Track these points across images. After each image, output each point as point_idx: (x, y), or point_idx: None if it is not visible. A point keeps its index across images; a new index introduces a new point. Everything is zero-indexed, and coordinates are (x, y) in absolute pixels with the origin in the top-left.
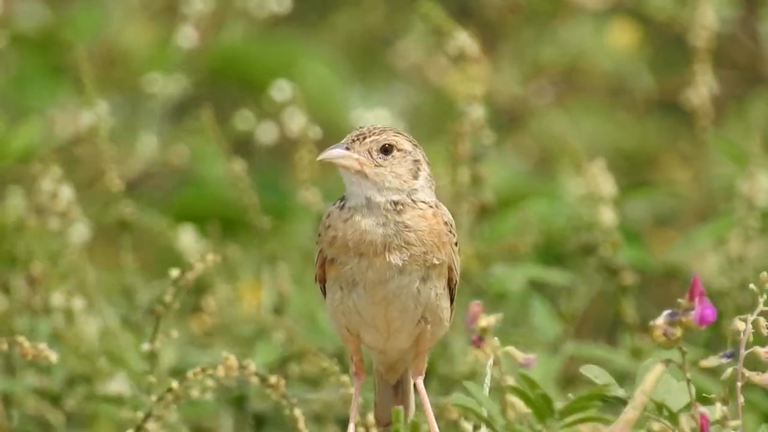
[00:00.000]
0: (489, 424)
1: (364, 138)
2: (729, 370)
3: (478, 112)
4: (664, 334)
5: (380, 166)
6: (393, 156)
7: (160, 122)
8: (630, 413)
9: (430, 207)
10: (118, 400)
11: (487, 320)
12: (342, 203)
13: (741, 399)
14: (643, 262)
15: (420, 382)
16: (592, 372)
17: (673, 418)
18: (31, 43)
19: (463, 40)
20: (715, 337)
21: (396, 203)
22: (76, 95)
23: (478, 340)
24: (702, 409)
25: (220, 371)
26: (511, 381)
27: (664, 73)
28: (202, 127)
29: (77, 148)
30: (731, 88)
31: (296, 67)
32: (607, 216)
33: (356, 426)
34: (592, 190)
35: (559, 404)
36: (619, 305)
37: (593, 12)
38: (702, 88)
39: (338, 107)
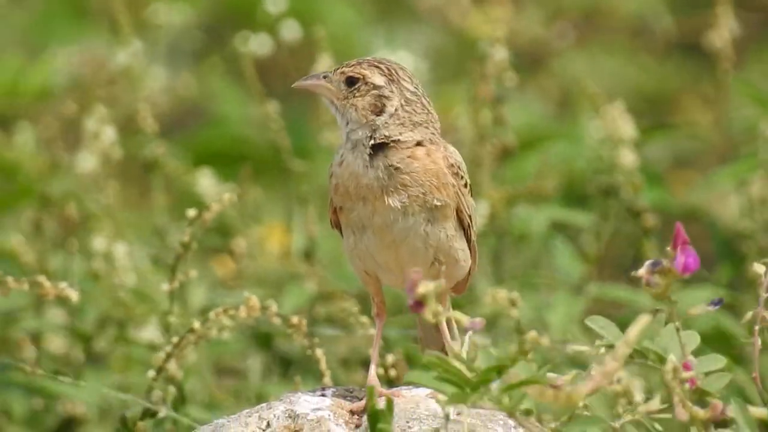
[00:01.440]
0: (451, 379)
1: (339, 69)
2: (749, 313)
3: (501, 54)
4: (647, 284)
5: (345, 98)
6: (357, 88)
7: (170, 57)
8: (611, 363)
9: (419, 145)
10: (149, 345)
11: (426, 287)
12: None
13: (758, 341)
14: (664, 203)
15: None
16: (597, 323)
17: (661, 362)
18: None
19: None
20: (738, 279)
21: (371, 140)
22: (100, 36)
23: (416, 306)
24: (691, 359)
25: (242, 312)
26: (456, 347)
27: (685, 14)
28: (218, 61)
29: (100, 88)
30: (752, 30)
31: (319, 8)
32: (628, 158)
33: (377, 367)
34: (612, 132)
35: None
36: (641, 247)
37: None
38: (724, 29)
39: (361, 48)
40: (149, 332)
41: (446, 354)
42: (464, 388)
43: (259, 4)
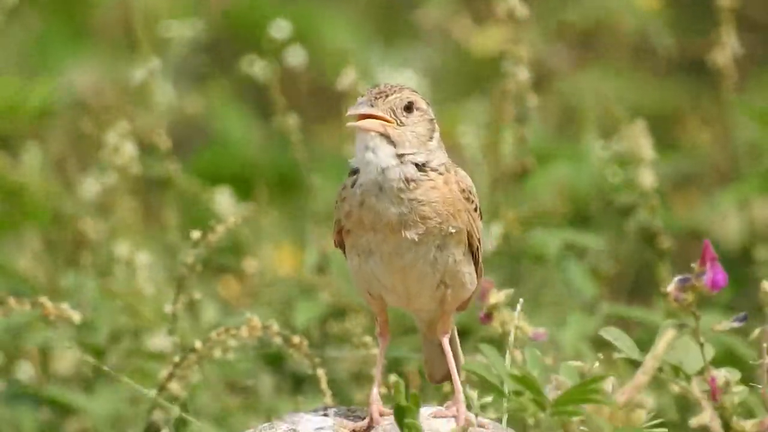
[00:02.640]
0: (495, 387)
1: (387, 96)
2: (756, 331)
3: (524, 74)
4: (676, 300)
5: (403, 125)
6: (413, 115)
7: (177, 76)
8: (640, 377)
9: (440, 174)
10: (159, 357)
11: (497, 297)
12: (353, 179)
13: (766, 360)
14: (666, 223)
15: (445, 341)
16: (611, 334)
17: (689, 380)
18: (53, 3)
19: (513, 1)
20: (740, 300)
21: (407, 179)
22: (101, 53)
23: (486, 317)
24: (714, 372)
25: (244, 332)
26: (519, 357)
27: (687, 33)
28: (222, 82)
29: (113, 106)
30: (754, 50)
31: (318, 26)
32: (647, 178)
33: (380, 386)
34: (632, 151)
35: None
36: (656, 268)
37: None
38: (726, 49)
39: (359, 68)
40: (161, 341)
41: (449, 377)
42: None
43: (263, 28)
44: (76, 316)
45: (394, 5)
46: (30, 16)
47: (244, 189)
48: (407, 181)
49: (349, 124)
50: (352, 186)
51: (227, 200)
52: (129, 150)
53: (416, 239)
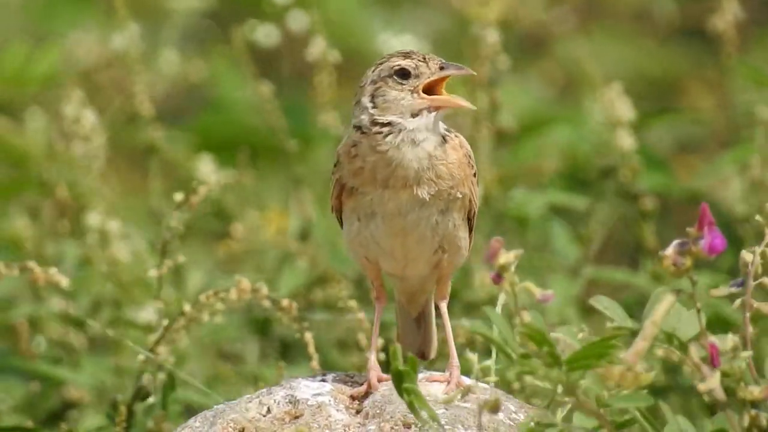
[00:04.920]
0: (502, 349)
1: (438, 61)
2: (738, 301)
3: (493, 37)
4: (674, 264)
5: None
6: None
7: (180, 43)
8: (640, 344)
9: (455, 137)
10: (144, 327)
11: (506, 257)
12: (377, 130)
13: (749, 329)
14: (667, 187)
15: (443, 306)
16: (601, 303)
17: (683, 347)
18: None
19: None
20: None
21: (443, 138)
22: (102, 20)
23: (497, 277)
24: (712, 338)
25: (233, 294)
26: (527, 317)
27: None
28: (223, 48)
29: (101, 73)
30: (755, 15)
31: None
32: (626, 141)
33: (377, 351)
34: (610, 114)
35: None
36: (640, 230)
37: None
38: (727, 13)
39: (361, 33)
40: (146, 314)
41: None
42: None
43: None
44: (64, 281)
45: None
46: None
47: (236, 155)
48: (444, 139)
49: (462, 102)
50: (377, 135)
51: (209, 167)
52: (90, 119)
53: (426, 198)
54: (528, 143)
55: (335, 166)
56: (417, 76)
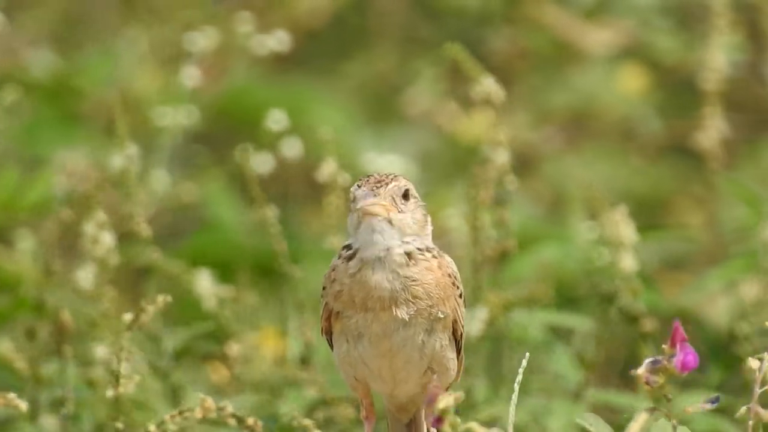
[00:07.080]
0: None
1: (386, 184)
2: (742, 409)
3: (503, 158)
4: (647, 382)
5: (402, 212)
6: (410, 202)
7: (170, 164)
8: None
9: (434, 257)
10: None
11: (446, 401)
12: (349, 254)
13: None
14: (656, 305)
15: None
16: (587, 420)
17: None
18: (43, 91)
19: (489, 85)
20: (730, 381)
21: (410, 255)
22: (90, 142)
23: (437, 421)
24: None
25: (198, 413)
26: None
27: (674, 117)
28: (216, 171)
29: (96, 194)
30: (743, 132)
31: (308, 108)
32: (628, 262)
33: None
34: (613, 235)
35: None
36: (639, 351)
37: (602, 57)
38: (712, 131)
39: (350, 152)
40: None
41: None
42: None
43: (258, 113)
44: (23, 406)
45: (383, 92)
46: (23, 106)
47: (230, 275)
48: (408, 256)
49: (359, 205)
50: (349, 260)
51: (207, 283)
52: (107, 241)
53: (406, 318)
54: (520, 262)
55: (324, 289)
56: (354, 200)
